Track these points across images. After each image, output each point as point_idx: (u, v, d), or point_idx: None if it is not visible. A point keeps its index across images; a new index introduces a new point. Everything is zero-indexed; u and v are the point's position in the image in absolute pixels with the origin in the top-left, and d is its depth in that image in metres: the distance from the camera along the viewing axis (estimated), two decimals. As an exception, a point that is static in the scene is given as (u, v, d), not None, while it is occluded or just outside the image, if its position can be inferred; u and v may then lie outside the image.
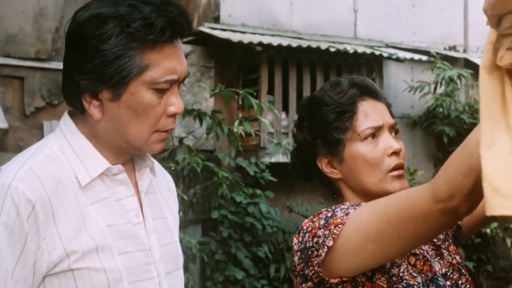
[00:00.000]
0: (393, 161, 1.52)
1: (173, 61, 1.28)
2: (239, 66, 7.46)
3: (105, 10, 1.25)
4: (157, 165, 1.49)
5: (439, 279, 1.48)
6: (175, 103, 1.30)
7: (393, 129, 1.57)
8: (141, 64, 1.25)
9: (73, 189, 1.28)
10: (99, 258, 1.26)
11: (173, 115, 1.31)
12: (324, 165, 1.57)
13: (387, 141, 1.53)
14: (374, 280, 1.41)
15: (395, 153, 1.52)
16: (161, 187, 1.50)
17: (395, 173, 1.52)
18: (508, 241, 7.52)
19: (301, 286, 1.46)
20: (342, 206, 1.45)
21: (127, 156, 1.38)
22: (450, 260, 1.56)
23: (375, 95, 1.58)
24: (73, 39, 1.29)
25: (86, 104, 1.29)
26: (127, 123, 1.29)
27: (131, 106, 1.27)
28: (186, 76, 1.32)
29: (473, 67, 8.29)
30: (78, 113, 1.33)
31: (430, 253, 1.54)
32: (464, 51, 9.00)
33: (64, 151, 1.31)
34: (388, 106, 1.61)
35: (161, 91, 1.28)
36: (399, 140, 1.56)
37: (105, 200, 1.31)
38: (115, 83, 1.25)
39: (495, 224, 6.98)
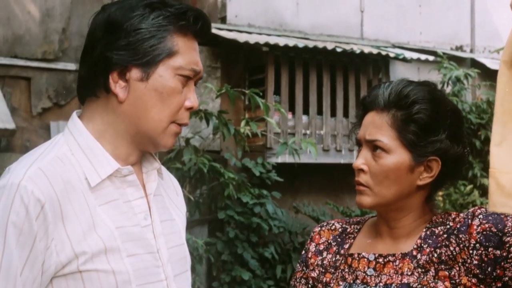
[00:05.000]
0: None
1: (195, 55, 1.35)
2: (245, 66, 7.46)
3: (135, 1, 1.32)
4: (163, 168, 1.50)
5: None
6: (191, 97, 1.35)
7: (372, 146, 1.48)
8: (172, 48, 1.31)
9: (82, 190, 1.27)
10: (107, 260, 1.25)
11: (189, 109, 1.35)
12: None
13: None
14: None
15: None
16: (168, 190, 1.50)
17: None
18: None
19: None
20: None
21: (136, 156, 1.37)
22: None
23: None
24: (106, 23, 1.31)
25: (112, 84, 1.30)
26: (150, 106, 1.31)
27: (158, 88, 1.30)
28: (201, 76, 1.38)
29: (480, 67, 8.27)
30: (94, 102, 1.33)
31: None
32: (471, 51, 8.97)
33: (74, 152, 1.31)
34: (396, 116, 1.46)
35: (184, 80, 1.33)
36: (381, 156, 1.45)
37: (114, 202, 1.31)
38: (147, 62, 1.29)
39: None
